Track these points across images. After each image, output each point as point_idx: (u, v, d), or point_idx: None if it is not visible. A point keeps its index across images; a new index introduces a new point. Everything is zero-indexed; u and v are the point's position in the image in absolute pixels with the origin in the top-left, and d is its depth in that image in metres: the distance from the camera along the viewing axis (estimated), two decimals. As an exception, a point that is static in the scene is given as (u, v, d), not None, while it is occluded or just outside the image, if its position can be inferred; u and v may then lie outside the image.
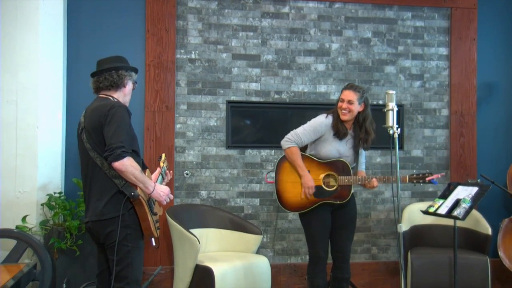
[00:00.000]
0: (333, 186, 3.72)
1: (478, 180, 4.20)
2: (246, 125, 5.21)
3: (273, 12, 5.10)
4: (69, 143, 4.70)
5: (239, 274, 4.22)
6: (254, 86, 5.06)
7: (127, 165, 2.80)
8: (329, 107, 5.19)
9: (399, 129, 3.27)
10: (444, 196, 3.86)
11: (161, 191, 3.02)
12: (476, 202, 3.64)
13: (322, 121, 3.76)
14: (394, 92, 3.34)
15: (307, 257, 4.98)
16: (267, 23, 5.09)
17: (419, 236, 4.86)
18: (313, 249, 3.78)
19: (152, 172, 3.26)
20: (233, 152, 5.01)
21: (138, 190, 2.88)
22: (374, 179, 3.70)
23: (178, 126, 4.94)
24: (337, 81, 5.15)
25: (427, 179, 3.73)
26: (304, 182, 3.69)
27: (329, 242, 3.83)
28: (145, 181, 2.91)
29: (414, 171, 3.80)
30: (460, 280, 4.09)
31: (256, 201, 5.02)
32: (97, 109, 2.94)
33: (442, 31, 5.34)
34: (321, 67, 5.16)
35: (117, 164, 2.78)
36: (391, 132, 3.25)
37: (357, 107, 3.72)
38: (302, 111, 5.13)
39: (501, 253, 4.80)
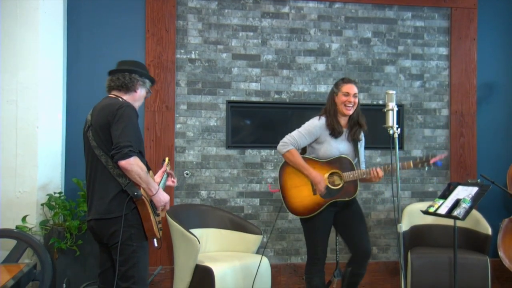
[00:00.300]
0: (339, 184, 3.67)
1: (478, 180, 4.20)
2: (246, 125, 5.21)
3: (273, 12, 5.10)
4: (69, 143, 4.71)
5: (239, 274, 4.22)
6: (254, 86, 5.06)
7: (133, 164, 2.79)
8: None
9: (399, 129, 3.27)
10: (444, 196, 3.85)
11: (162, 198, 3.01)
12: (476, 202, 3.64)
13: (316, 123, 3.72)
14: (394, 92, 3.34)
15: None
16: (267, 23, 5.09)
17: (419, 236, 4.86)
18: (312, 250, 3.76)
19: (155, 173, 3.26)
20: (233, 152, 5.01)
21: (141, 191, 2.87)
22: (378, 169, 3.62)
23: (178, 126, 4.94)
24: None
25: (430, 161, 3.65)
26: (313, 180, 3.63)
27: (328, 243, 3.80)
28: (149, 182, 2.90)
29: (418, 157, 3.71)
30: (460, 280, 4.09)
31: (256, 201, 5.02)
32: (106, 108, 2.93)
33: (442, 31, 5.34)
34: (321, 67, 5.16)
35: (123, 163, 2.77)
36: (391, 132, 3.25)
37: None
38: (302, 111, 5.13)
39: (501, 253, 4.80)
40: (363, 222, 3.80)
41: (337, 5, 5.18)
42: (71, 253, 4.27)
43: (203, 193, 4.96)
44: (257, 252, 4.67)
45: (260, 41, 5.07)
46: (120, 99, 3.03)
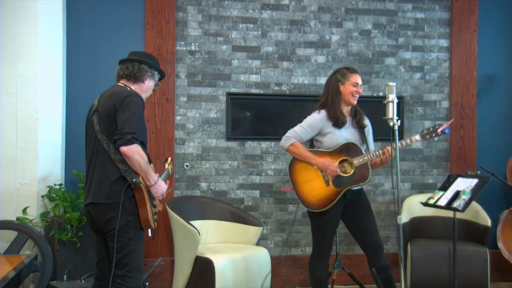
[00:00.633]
0: (350, 171, 3.59)
1: (478, 172, 4.20)
2: (246, 117, 5.21)
3: (273, 4, 5.09)
4: (69, 135, 4.71)
5: (239, 266, 4.23)
6: (254, 78, 5.05)
7: (134, 151, 2.79)
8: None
9: (399, 121, 3.26)
10: (444, 188, 3.85)
11: (160, 189, 3.02)
12: (476, 194, 3.64)
13: (316, 117, 3.69)
14: (394, 84, 3.32)
15: (307, 248, 5.02)
16: (267, 15, 5.07)
17: (418, 228, 4.87)
18: (318, 243, 3.71)
19: (157, 170, 3.25)
20: (233, 144, 5.01)
21: (140, 179, 2.87)
22: (387, 147, 3.56)
23: (178, 118, 4.94)
24: (337, 73, 5.14)
25: (438, 130, 3.59)
26: (322, 167, 3.58)
27: (334, 237, 3.76)
28: (149, 172, 2.90)
29: (425, 129, 3.66)
30: (460, 271, 4.10)
31: (256, 193, 5.03)
32: (114, 95, 2.94)
33: (443, 23, 5.33)
34: (321, 59, 5.15)
35: (125, 149, 2.78)
36: (391, 124, 3.24)
37: None
38: (302, 103, 5.13)
39: (500, 245, 4.82)
40: (372, 216, 3.74)
41: (337, -3, 5.17)
42: (72, 245, 4.28)
43: (203, 185, 4.97)
44: (257, 244, 4.69)
45: (260, 33, 5.06)
46: (129, 88, 3.04)
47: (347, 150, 3.62)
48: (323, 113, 3.69)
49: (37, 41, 4.51)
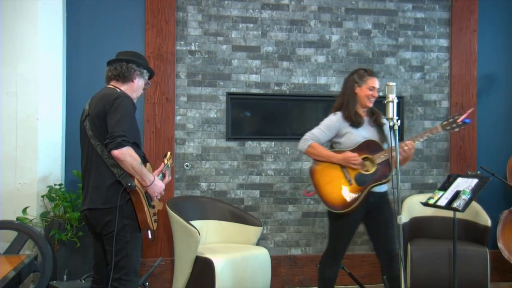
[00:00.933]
0: (372, 169, 3.53)
1: (478, 172, 4.20)
2: (246, 117, 5.21)
3: (273, 4, 5.08)
4: (69, 135, 4.71)
5: (239, 266, 4.23)
6: (254, 78, 5.05)
7: (126, 154, 2.77)
8: (330, 99, 5.19)
9: (399, 121, 3.25)
10: (444, 188, 3.85)
11: (157, 188, 3.01)
12: (476, 194, 3.64)
13: (332, 118, 3.64)
14: (394, 83, 3.32)
15: (307, 248, 5.03)
16: (267, 15, 5.07)
17: (418, 228, 4.87)
18: (333, 245, 3.67)
19: (154, 168, 3.25)
20: (233, 144, 5.01)
21: (136, 182, 2.86)
22: (407, 141, 3.51)
23: (178, 118, 4.93)
24: (337, 73, 5.14)
25: (459, 120, 3.53)
26: (343, 160, 3.51)
27: (351, 240, 3.71)
28: (143, 173, 2.89)
29: (445, 120, 3.58)
30: (460, 271, 4.10)
31: (256, 193, 5.03)
32: (104, 97, 2.93)
33: (443, 23, 5.33)
34: (321, 58, 5.15)
35: (116, 152, 2.76)
36: (391, 124, 3.24)
37: None
38: (302, 103, 5.13)
39: (500, 245, 4.82)
40: (393, 225, 3.65)
41: (337, -3, 5.17)
42: (72, 245, 4.28)
43: (203, 185, 4.96)
44: (257, 244, 4.69)
45: (260, 33, 5.06)
46: (118, 90, 3.02)
47: (367, 147, 3.56)
48: (339, 114, 3.65)
49: (37, 41, 4.50)
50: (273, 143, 5.04)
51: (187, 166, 4.92)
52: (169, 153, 3.46)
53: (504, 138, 5.37)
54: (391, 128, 3.16)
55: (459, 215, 3.90)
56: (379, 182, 3.55)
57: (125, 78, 3.08)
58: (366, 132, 3.64)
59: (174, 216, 4.35)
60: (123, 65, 3.08)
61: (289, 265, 5.02)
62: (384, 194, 3.68)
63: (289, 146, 5.04)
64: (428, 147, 5.26)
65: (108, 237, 2.88)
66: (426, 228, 4.91)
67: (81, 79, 4.76)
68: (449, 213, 3.89)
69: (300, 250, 5.07)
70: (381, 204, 3.65)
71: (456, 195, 3.66)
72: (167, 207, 4.42)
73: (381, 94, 5.09)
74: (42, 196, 4.45)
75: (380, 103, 3.42)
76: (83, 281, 4.03)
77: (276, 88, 5.07)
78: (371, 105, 3.64)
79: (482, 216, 4.66)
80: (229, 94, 5.01)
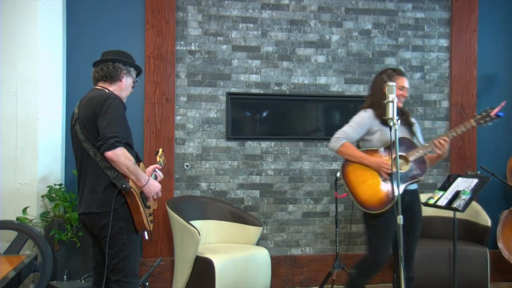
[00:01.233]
0: (406, 168, 3.47)
1: (478, 172, 4.20)
2: (246, 117, 5.21)
3: (273, 4, 5.08)
4: (69, 135, 4.61)
5: (239, 266, 4.23)
6: (254, 78, 5.05)
7: (120, 155, 2.74)
8: (330, 99, 5.21)
9: (399, 121, 3.26)
10: (444, 188, 3.85)
11: (153, 188, 2.99)
12: (475, 194, 3.63)
13: (363, 115, 3.57)
14: (394, 84, 3.32)
15: (307, 248, 5.03)
16: (267, 15, 5.07)
17: (418, 228, 4.86)
18: (376, 251, 3.48)
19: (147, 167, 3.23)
20: (233, 144, 5.01)
21: (130, 183, 2.84)
22: (440, 138, 3.45)
23: (178, 118, 4.93)
24: (337, 73, 5.15)
25: (492, 114, 3.49)
26: (376, 167, 3.43)
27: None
28: (138, 173, 2.87)
29: (478, 114, 3.52)
30: (460, 271, 4.10)
31: (256, 193, 5.03)
32: (92, 100, 2.89)
33: (443, 23, 5.33)
34: (321, 58, 5.15)
35: (109, 154, 2.73)
36: (391, 124, 3.24)
37: None
38: (302, 103, 5.12)
39: (500, 245, 4.82)
40: (420, 228, 3.63)
41: (337, -3, 5.17)
42: (72, 245, 4.28)
43: (203, 185, 4.96)
44: (257, 244, 4.69)
45: (260, 33, 5.06)
46: (107, 91, 3.00)
47: (401, 145, 3.47)
48: (369, 111, 3.58)
49: (37, 41, 4.50)
50: (273, 143, 5.04)
51: (187, 166, 4.92)
52: (160, 150, 3.42)
53: (504, 138, 5.37)
54: (391, 128, 3.16)
55: (459, 215, 3.90)
56: (415, 180, 3.51)
57: (113, 78, 3.06)
58: (397, 130, 3.53)
59: (174, 216, 4.35)
60: (110, 65, 3.05)
61: (289, 265, 5.02)
62: (416, 192, 3.64)
63: (289, 146, 5.04)
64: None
65: (105, 240, 2.86)
66: (426, 228, 4.90)
67: (81, 79, 4.75)
68: (449, 213, 3.89)
69: (300, 250, 5.07)
70: (413, 203, 3.59)
71: (456, 195, 3.67)
72: (167, 207, 4.43)
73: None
74: (42, 196, 4.45)
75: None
76: (83, 281, 4.03)
77: (276, 88, 5.07)
78: (401, 104, 3.58)
79: (482, 216, 4.66)
80: (229, 94, 5.01)
